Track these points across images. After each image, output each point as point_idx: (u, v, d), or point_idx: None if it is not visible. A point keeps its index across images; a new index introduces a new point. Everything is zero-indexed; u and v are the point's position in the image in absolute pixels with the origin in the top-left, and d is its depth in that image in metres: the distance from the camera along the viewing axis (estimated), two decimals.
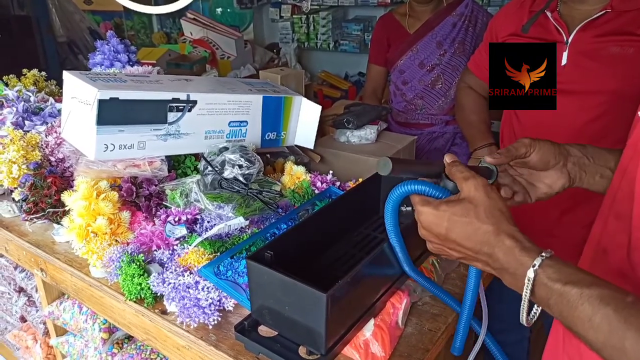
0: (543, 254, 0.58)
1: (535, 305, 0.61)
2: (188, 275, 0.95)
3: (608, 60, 1.21)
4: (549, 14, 1.30)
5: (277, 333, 0.85)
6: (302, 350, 0.82)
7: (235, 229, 1.08)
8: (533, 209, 1.43)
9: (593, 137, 1.29)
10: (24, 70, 1.78)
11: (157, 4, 3.49)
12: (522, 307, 0.60)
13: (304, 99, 1.48)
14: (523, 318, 0.61)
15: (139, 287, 0.98)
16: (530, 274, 0.57)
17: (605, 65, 1.22)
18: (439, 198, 0.68)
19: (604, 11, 1.21)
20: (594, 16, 1.22)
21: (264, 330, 0.87)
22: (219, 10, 4.19)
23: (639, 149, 0.63)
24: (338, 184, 1.30)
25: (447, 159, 0.71)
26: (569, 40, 1.27)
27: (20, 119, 1.46)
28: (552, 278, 0.56)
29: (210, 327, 0.92)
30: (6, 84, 1.72)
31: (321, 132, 1.64)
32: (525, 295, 0.58)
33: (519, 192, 0.82)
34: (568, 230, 1.40)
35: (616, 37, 1.20)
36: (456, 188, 0.68)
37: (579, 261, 0.78)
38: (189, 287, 0.93)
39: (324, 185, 1.27)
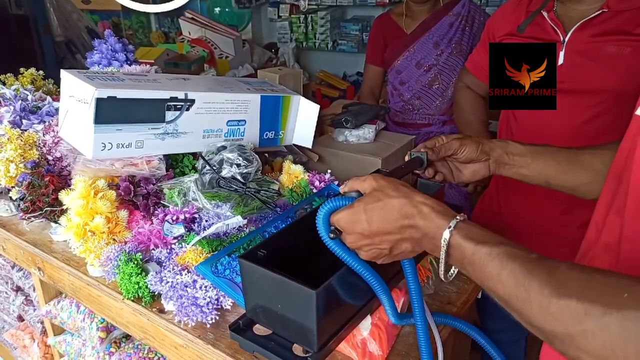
0: (457, 217, 0.63)
1: (452, 269, 0.66)
2: (186, 274, 0.95)
3: (605, 59, 1.22)
4: (545, 13, 1.30)
5: (271, 332, 0.85)
6: (297, 349, 0.82)
7: (234, 228, 1.08)
8: (534, 211, 1.44)
9: (591, 136, 1.29)
10: (22, 69, 1.78)
11: (155, 2, 3.49)
12: (440, 265, 0.65)
13: (302, 98, 1.48)
14: (442, 274, 0.66)
15: (136, 286, 0.98)
16: (446, 234, 0.62)
17: (602, 64, 1.22)
18: (348, 203, 0.71)
19: (600, 11, 1.21)
20: (591, 16, 1.22)
21: (258, 329, 0.87)
22: (217, 9, 4.18)
23: (631, 146, 0.65)
24: (336, 183, 1.30)
25: (342, 186, 0.74)
26: (566, 39, 1.27)
27: (18, 117, 1.46)
28: (465, 238, 0.61)
29: (208, 325, 0.92)
30: (3, 83, 1.71)
31: (319, 131, 1.64)
32: (442, 256, 0.63)
33: (446, 173, 0.93)
34: (565, 230, 1.41)
35: (613, 37, 1.21)
36: (360, 194, 0.71)
37: (577, 257, 0.79)
38: (186, 286, 0.93)
39: (322, 184, 1.27)
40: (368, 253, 0.71)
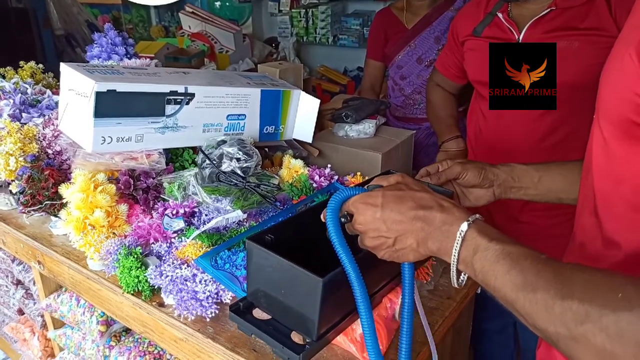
0: (477, 215, 0.65)
1: (462, 275, 0.66)
2: (185, 268, 0.95)
3: (557, 54, 1.26)
4: (500, 15, 1.38)
5: (271, 317, 0.85)
6: (296, 336, 0.82)
7: (233, 222, 1.08)
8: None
9: (548, 129, 1.35)
10: (21, 63, 1.77)
11: None
12: (452, 258, 0.64)
13: (303, 93, 1.48)
14: (454, 281, 0.66)
15: (136, 280, 0.98)
16: (464, 226, 0.63)
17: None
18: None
19: (549, 9, 1.29)
20: (541, 14, 1.30)
21: (258, 312, 0.87)
22: (217, 3, 4.16)
23: (591, 149, 0.67)
24: (336, 177, 1.30)
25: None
26: (520, 38, 1.34)
27: (18, 111, 1.45)
28: (481, 233, 0.62)
29: (208, 319, 0.92)
30: (3, 76, 1.71)
31: (320, 126, 1.64)
32: (455, 249, 0.63)
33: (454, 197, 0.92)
34: (531, 215, 1.46)
35: (562, 32, 1.27)
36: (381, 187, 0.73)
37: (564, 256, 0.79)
38: (186, 280, 0.93)
39: (322, 179, 1.27)
40: (373, 240, 0.70)
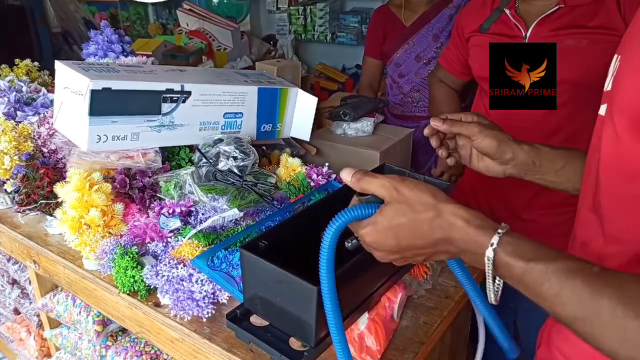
0: (499, 230, 0.55)
1: (497, 280, 0.58)
2: (182, 268, 0.94)
3: (564, 52, 1.25)
4: (507, 11, 1.37)
5: (268, 323, 0.84)
6: (294, 342, 0.81)
7: (230, 221, 1.07)
8: (505, 193, 1.46)
9: (552, 128, 1.35)
10: (17, 60, 1.76)
11: None
12: (487, 286, 0.58)
13: (300, 91, 1.47)
14: (491, 297, 0.60)
15: (132, 280, 0.97)
16: (490, 253, 0.54)
17: (562, 57, 1.26)
18: (372, 214, 0.64)
19: (557, 7, 1.28)
20: (549, 11, 1.29)
21: (255, 320, 0.86)
22: (215, 1, 4.15)
23: (597, 145, 0.65)
24: (334, 176, 1.29)
25: (345, 175, 0.66)
26: (527, 35, 1.33)
27: (12, 109, 1.44)
28: (513, 256, 0.53)
29: (204, 320, 0.91)
30: None
31: (318, 124, 1.63)
32: (489, 275, 0.56)
33: (463, 155, 0.88)
34: (536, 214, 1.46)
35: (570, 30, 1.26)
36: (377, 197, 0.64)
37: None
38: (182, 280, 0.92)
39: (320, 177, 1.26)
40: (399, 262, 0.66)
